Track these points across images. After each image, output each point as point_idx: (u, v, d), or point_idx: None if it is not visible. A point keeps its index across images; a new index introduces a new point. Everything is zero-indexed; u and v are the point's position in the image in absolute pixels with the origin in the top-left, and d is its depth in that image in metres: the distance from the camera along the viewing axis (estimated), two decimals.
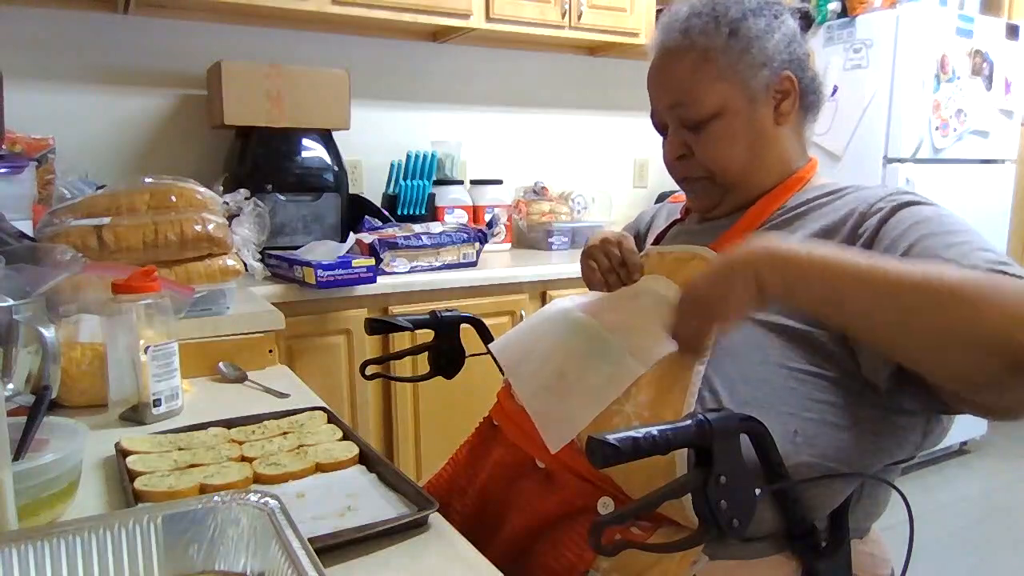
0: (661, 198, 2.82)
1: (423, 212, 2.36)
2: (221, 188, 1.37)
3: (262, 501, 0.55)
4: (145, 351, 0.94)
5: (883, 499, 0.86)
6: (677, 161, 0.94)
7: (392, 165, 2.41)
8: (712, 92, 0.88)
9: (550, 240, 2.54)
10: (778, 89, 0.90)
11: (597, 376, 0.81)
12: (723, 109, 0.89)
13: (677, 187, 1.00)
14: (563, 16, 2.43)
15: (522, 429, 0.87)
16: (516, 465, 0.89)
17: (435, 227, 2.12)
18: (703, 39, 0.89)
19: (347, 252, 1.91)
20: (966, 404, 0.69)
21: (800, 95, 0.92)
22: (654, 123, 0.98)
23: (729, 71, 0.88)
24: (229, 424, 0.90)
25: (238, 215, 1.38)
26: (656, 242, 1.08)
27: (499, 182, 2.59)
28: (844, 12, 2.77)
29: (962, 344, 0.62)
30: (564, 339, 0.89)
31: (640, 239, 1.19)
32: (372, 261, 1.85)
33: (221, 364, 1.18)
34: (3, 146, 1.39)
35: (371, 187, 2.48)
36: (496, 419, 0.97)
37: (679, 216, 1.11)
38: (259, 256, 1.41)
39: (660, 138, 0.98)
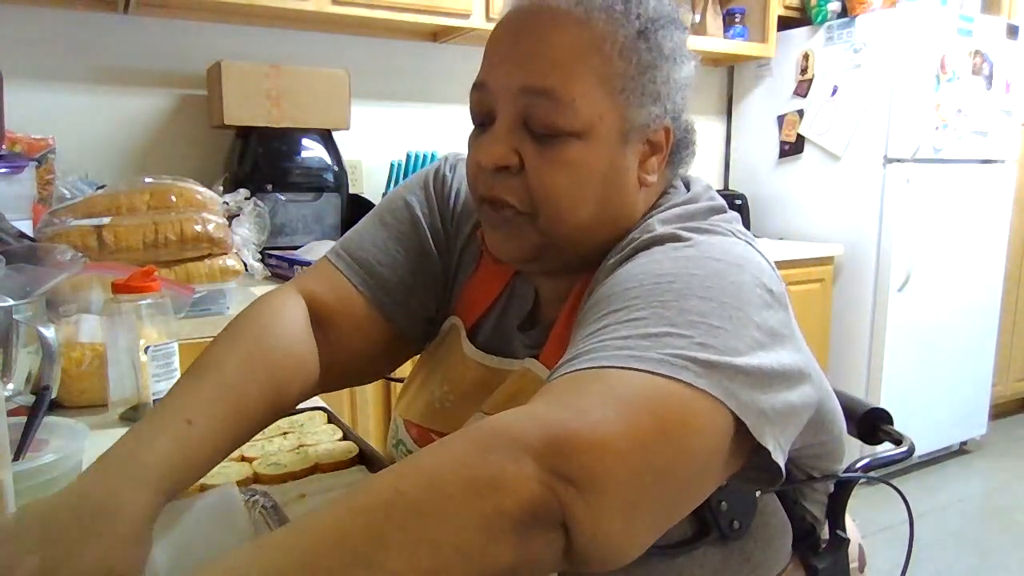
0: None
1: None
2: (221, 188, 1.37)
3: (261, 501, 0.56)
4: (145, 351, 0.94)
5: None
6: (494, 172, 0.65)
7: (392, 165, 2.41)
8: (591, 97, 0.62)
9: None
10: (652, 139, 0.67)
11: None
12: (592, 129, 0.63)
13: None
14: None
15: None
16: None
17: None
18: (603, 18, 0.63)
19: None
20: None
21: (671, 151, 0.69)
22: (475, 104, 0.68)
23: (618, 82, 0.63)
24: None
25: (238, 215, 1.39)
26: (475, 327, 0.81)
27: None
28: (844, 12, 2.78)
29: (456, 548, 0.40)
30: None
31: (449, 235, 0.83)
32: None
33: None
34: (3, 146, 1.38)
35: (371, 187, 2.48)
36: None
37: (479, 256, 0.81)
38: (259, 256, 1.42)
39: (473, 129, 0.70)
